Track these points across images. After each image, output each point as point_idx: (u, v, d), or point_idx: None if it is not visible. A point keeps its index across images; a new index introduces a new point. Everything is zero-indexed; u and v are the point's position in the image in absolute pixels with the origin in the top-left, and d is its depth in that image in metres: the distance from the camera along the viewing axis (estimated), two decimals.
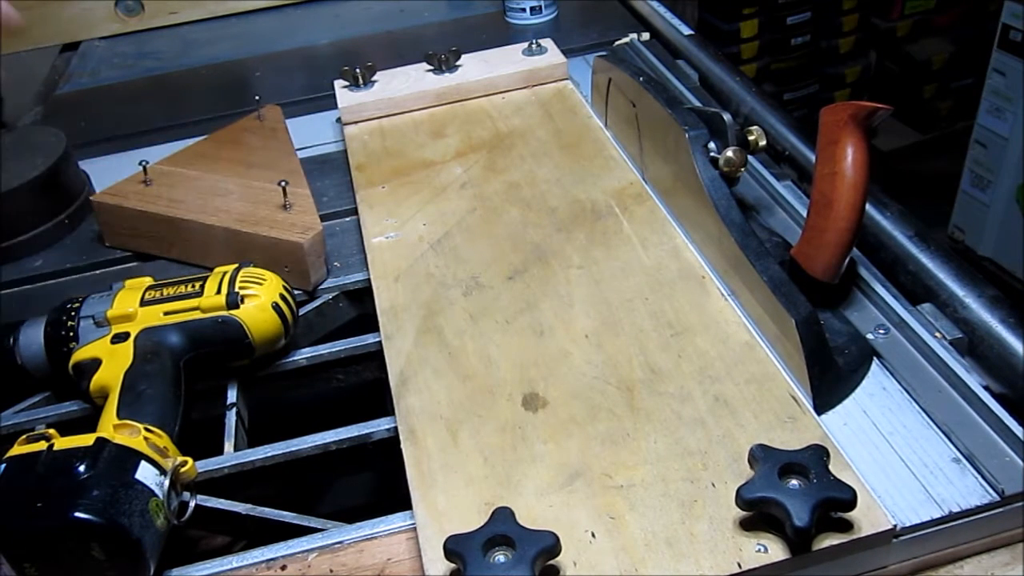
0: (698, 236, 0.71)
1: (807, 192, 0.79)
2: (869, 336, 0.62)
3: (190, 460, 0.56)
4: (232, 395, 0.68)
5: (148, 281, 0.69)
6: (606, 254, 0.71)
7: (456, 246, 0.75)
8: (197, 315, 0.66)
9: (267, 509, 0.58)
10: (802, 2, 2.44)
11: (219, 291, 0.66)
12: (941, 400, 0.57)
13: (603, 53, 0.93)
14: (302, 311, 0.74)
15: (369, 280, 0.73)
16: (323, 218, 0.80)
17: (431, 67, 0.99)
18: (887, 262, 0.71)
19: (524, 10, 1.24)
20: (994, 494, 0.50)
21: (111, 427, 0.56)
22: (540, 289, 0.68)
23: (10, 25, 0.70)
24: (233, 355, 0.67)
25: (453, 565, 0.47)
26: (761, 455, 0.49)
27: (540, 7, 1.23)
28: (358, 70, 0.97)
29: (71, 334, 0.66)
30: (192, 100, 1.15)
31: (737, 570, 0.47)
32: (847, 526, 0.48)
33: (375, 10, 1.36)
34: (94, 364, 0.63)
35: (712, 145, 0.69)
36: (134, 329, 0.65)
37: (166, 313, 0.66)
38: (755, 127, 0.70)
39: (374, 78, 0.99)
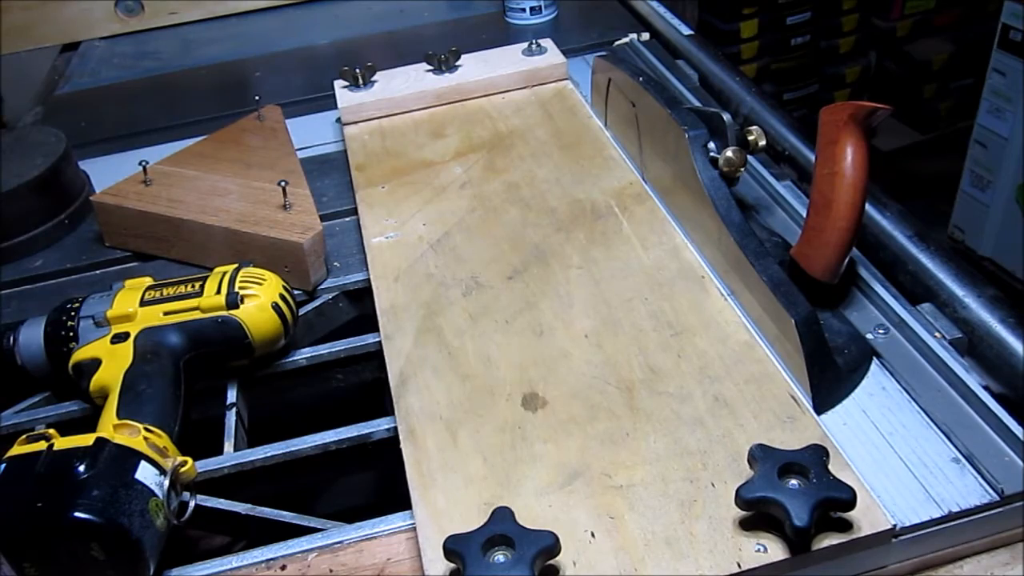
0: (698, 236, 0.71)
1: (807, 192, 0.79)
2: (869, 336, 0.62)
3: (190, 460, 0.56)
4: (232, 395, 0.68)
5: (148, 281, 0.69)
6: (606, 254, 0.71)
7: (456, 246, 0.75)
8: (197, 315, 0.66)
9: (267, 509, 0.58)
10: (802, 2, 2.44)
11: (219, 291, 0.66)
12: (941, 400, 0.57)
13: (603, 53, 0.93)
14: (302, 311, 0.74)
15: (369, 280, 0.73)
16: (323, 218, 0.80)
17: (431, 67, 0.99)
18: (887, 262, 0.71)
19: (524, 10, 1.24)
20: (994, 494, 0.50)
21: (111, 427, 0.56)
22: (540, 289, 0.69)
23: None
24: (233, 355, 0.67)
25: (453, 565, 0.47)
26: (760, 455, 0.49)
27: (540, 7, 1.23)
28: (358, 70, 0.97)
29: (71, 334, 0.66)
30: (192, 100, 1.15)
31: (737, 570, 0.47)
32: (846, 526, 0.48)
33: (375, 10, 1.36)
34: (94, 364, 0.63)
35: (712, 145, 0.69)
36: (134, 329, 0.65)
37: (166, 313, 0.66)
38: (755, 127, 0.70)
39: (374, 78, 0.99)
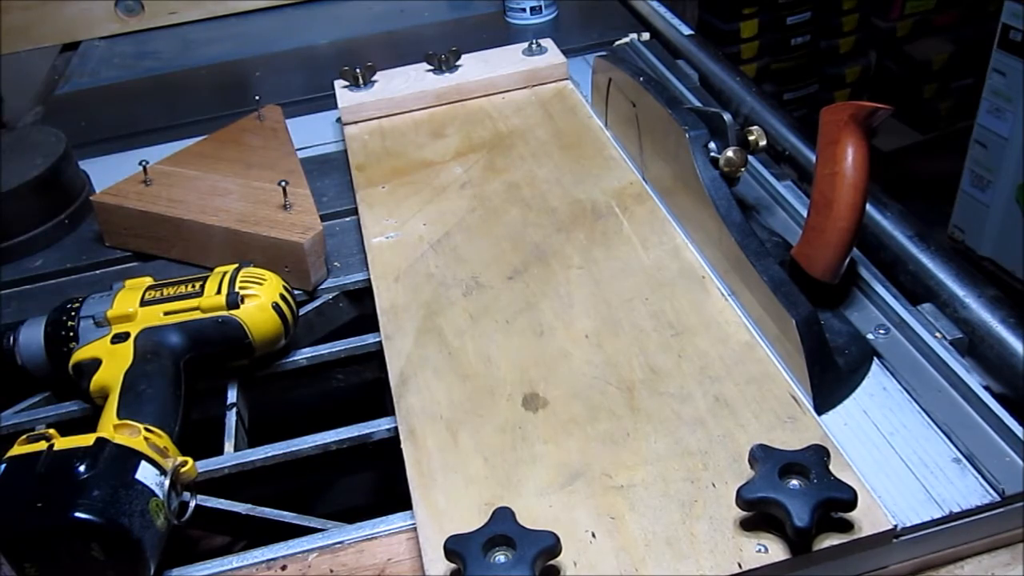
0: (698, 236, 0.71)
1: (807, 192, 0.79)
2: (869, 336, 0.62)
3: (190, 460, 0.56)
4: (232, 395, 0.68)
5: (148, 281, 0.69)
6: (606, 254, 0.71)
7: (456, 246, 0.74)
8: (197, 315, 0.66)
9: (267, 509, 0.58)
10: (802, 2, 2.44)
11: (219, 291, 0.66)
12: (941, 400, 0.57)
13: (603, 53, 0.93)
14: (302, 311, 0.74)
15: (369, 280, 0.73)
16: (323, 218, 0.80)
17: (431, 67, 0.99)
18: (887, 262, 0.71)
19: (524, 10, 1.24)
20: (994, 494, 0.50)
21: (111, 427, 0.56)
22: (540, 289, 0.68)
23: None
24: (233, 355, 0.67)
25: (453, 565, 0.47)
26: (761, 455, 0.49)
27: (540, 7, 1.23)
28: (358, 70, 0.97)
29: (71, 334, 0.66)
30: (192, 100, 1.15)
31: (737, 570, 0.47)
32: (847, 526, 0.48)
33: (375, 10, 1.36)
34: (94, 364, 0.63)
35: (712, 145, 0.69)
36: (134, 329, 0.65)
37: (166, 313, 0.66)
38: (755, 127, 0.70)
39: (374, 78, 0.99)
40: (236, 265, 0.69)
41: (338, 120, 0.97)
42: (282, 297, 0.67)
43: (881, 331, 0.63)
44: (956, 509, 0.50)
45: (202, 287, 0.67)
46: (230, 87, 1.19)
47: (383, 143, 0.92)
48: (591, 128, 0.90)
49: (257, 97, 0.97)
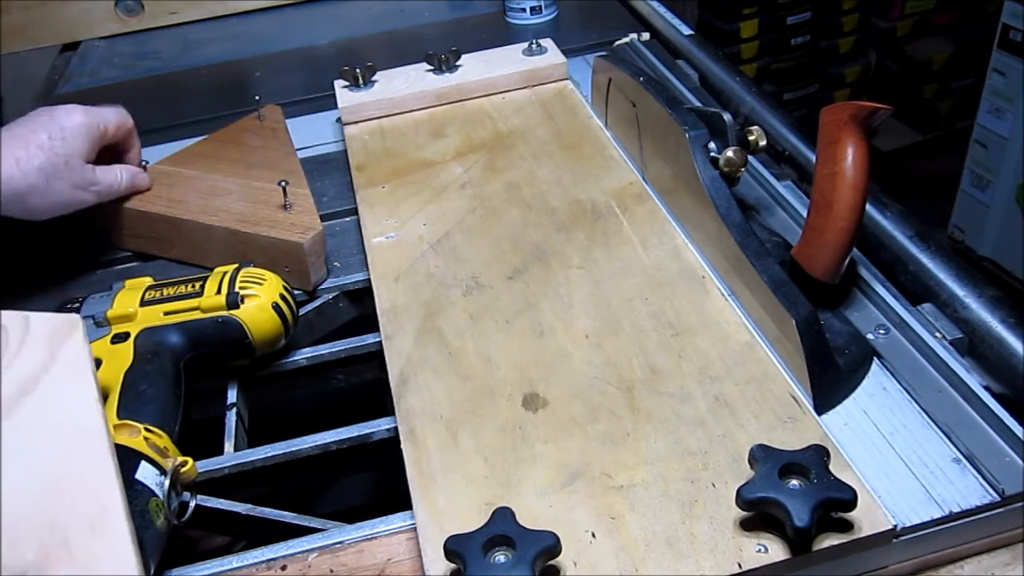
0: (698, 236, 0.71)
1: (807, 192, 0.79)
2: (869, 336, 0.62)
3: (190, 460, 0.56)
4: (232, 395, 0.68)
5: (148, 281, 0.69)
6: (606, 254, 0.71)
7: (456, 246, 0.74)
8: (197, 315, 0.66)
9: (267, 509, 0.58)
10: (802, 2, 2.45)
11: (219, 291, 0.66)
12: (941, 400, 0.57)
13: (603, 53, 0.93)
14: (302, 311, 0.74)
15: (369, 280, 0.73)
16: (323, 218, 0.79)
17: (431, 67, 0.99)
18: (887, 262, 0.71)
19: (524, 10, 1.24)
20: (994, 494, 0.50)
21: (111, 427, 0.56)
22: (540, 289, 0.68)
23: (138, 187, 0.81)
24: (233, 355, 0.67)
25: (453, 565, 0.47)
26: (761, 455, 0.49)
27: (540, 7, 1.23)
28: (358, 70, 0.97)
29: None
30: (192, 100, 1.15)
31: (737, 570, 0.47)
32: (847, 526, 0.48)
33: (375, 10, 1.36)
34: (94, 364, 0.63)
35: (712, 145, 0.69)
36: (134, 329, 0.65)
37: (166, 313, 0.66)
38: (755, 127, 0.70)
39: (374, 78, 0.99)
40: (236, 265, 0.69)
41: (338, 120, 0.97)
42: (282, 297, 0.67)
43: (881, 331, 0.63)
44: (956, 509, 0.50)
45: (202, 287, 0.67)
46: (230, 87, 1.18)
47: (383, 143, 0.92)
48: (591, 128, 0.90)
49: (257, 97, 0.97)
